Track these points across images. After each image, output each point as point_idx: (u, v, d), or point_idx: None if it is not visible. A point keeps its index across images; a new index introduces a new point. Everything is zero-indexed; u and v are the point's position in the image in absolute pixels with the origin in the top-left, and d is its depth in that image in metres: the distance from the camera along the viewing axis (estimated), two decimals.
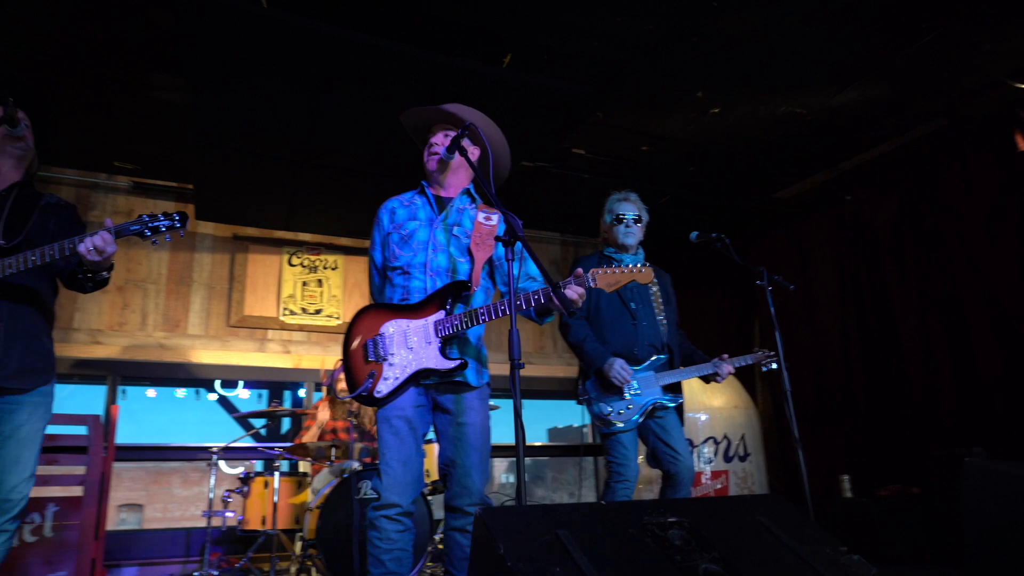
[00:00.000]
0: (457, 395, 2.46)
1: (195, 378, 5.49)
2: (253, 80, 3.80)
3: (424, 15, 3.64)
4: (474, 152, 2.68)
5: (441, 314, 2.41)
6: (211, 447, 4.08)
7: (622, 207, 3.52)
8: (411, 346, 2.42)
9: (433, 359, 2.38)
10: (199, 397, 6.95)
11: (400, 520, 2.35)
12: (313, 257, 5.91)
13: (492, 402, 5.80)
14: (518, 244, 2.67)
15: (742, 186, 5.78)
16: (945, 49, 3.96)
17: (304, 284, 5.81)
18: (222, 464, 4.36)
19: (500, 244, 2.57)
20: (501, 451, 6.13)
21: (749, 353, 3.46)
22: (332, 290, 5.90)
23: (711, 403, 4.79)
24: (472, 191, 2.71)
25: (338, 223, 5.79)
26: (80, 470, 4.19)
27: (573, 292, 2.32)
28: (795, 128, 4.82)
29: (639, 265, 2.37)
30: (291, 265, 5.82)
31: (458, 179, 2.69)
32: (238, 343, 5.45)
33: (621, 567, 1.23)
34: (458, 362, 2.38)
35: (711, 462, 4.64)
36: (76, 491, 4.16)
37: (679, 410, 3.51)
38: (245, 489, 4.09)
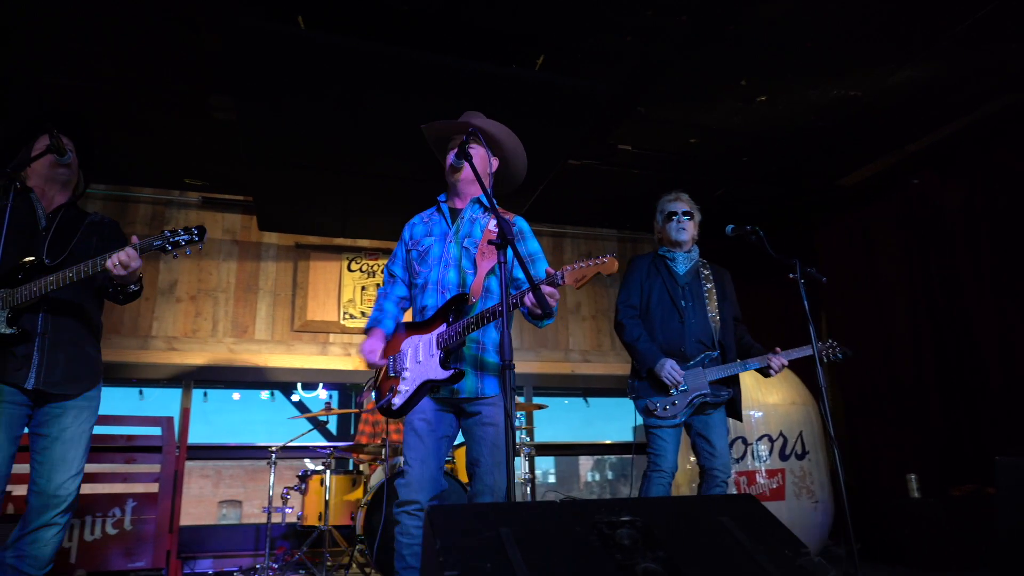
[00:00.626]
0: (481, 400, 2.51)
1: (263, 381, 5.78)
2: (297, 96, 3.97)
3: (453, 24, 3.71)
4: (493, 162, 2.75)
5: (443, 327, 2.47)
6: (270, 446, 4.29)
7: (672, 205, 3.57)
8: (419, 360, 2.50)
9: (434, 370, 2.44)
10: (273, 399, 7.27)
11: (419, 516, 2.42)
12: (371, 262, 6.10)
13: (541, 401, 5.81)
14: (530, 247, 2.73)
15: (801, 175, 5.57)
16: (1005, 21, 3.69)
17: (363, 288, 6.01)
18: (307, 462, 4.59)
19: (507, 249, 2.62)
20: (583, 449, 6.19)
21: (806, 345, 3.37)
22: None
23: (766, 400, 4.64)
24: (483, 199, 2.72)
25: (392, 228, 5.93)
26: (155, 468, 4.51)
27: (553, 300, 2.31)
28: (852, 111, 4.61)
29: (604, 257, 2.29)
30: (350, 271, 6.03)
31: (469, 189, 2.73)
32: (302, 347, 5.70)
33: (556, 564, 1.25)
34: (451, 371, 2.42)
35: (766, 460, 4.49)
36: (152, 488, 4.48)
37: (733, 404, 3.47)
38: (303, 487, 4.27)
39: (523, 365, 6.17)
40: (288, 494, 4.30)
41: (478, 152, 2.70)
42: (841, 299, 5.68)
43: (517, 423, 4.71)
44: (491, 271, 2.58)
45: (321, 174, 4.72)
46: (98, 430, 4.47)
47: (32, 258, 2.45)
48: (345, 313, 5.91)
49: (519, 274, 2.61)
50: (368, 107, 4.06)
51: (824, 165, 5.41)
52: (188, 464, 5.39)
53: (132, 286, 2.51)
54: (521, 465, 4.49)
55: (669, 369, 3.26)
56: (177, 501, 4.63)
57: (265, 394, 8.02)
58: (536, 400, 6.18)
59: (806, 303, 3.07)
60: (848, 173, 5.54)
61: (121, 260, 2.32)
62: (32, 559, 2.34)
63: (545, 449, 6.14)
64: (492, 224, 2.64)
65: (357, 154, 4.54)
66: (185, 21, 3.64)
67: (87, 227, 2.65)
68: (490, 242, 2.22)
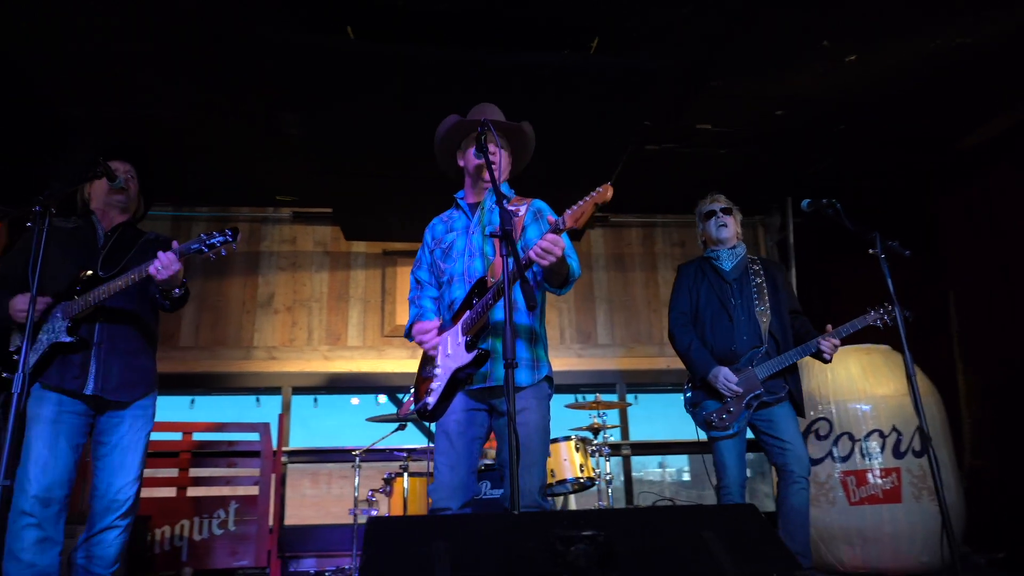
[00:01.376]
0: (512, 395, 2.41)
1: (358, 386, 5.97)
2: (355, 105, 4.04)
3: (500, 17, 3.64)
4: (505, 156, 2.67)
5: (467, 313, 2.39)
6: (354, 450, 4.39)
7: (710, 205, 3.55)
8: (448, 353, 2.43)
9: (460, 357, 2.36)
10: (379, 402, 7.51)
11: None
12: None
13: (632, 398, 5.56)
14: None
15: (911, 140, 5.01)
16: None
17: None
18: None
19: (528, 229, 2.51)
20: (679, 448, 5.91)
21: (860, 316, 3.11)
22: None
23: (874, 391, 4.18)
24: (503, 190, 2.64)
25: None
26: (255, 472, 4.76)
27: (547, 242, 2.15)
28: (962, 63, 4.08)
29: (598, 188, 2.16)
30: None
31: (486, 180, 2.64)
32: (392, 351, 5.82)
33: None
34: (475, 352, 2.32)
35: (877, 458, 4.05)
36: (253, 490, 4.73)
37: (793, 400, 3.28)
38: (388, 489, 4.34)
39: (613, 361, 5.98)
40: (374, 496, 4.38)
41: (505, 152, 2.65)
42: (970, 273, 5.05)
43: (601, 420, 4.54)
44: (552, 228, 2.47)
45: (391, 180, 4.79)
46: (203, 436, 4.83)
47: (89, 272, 2.61)
48: None
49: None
50: (424, 109, 4.05)
51: (936, 127, 4.83)
52: (304, 467, 5.66)
53: (176, 291, 2.59)
54: (603, 466, 4.32)
55: (723, 380, 3.17)
56: (277, 502, 4.87)
57: (383, 398, 8.25)
58: (630, 397, 5.96)
59: (889, 280, 2.73)
60: (968, 134, 4.91)
61: (162, 263, 2.42)
62: (99, 559, 2.49)
63: (641, 448, 5.91)
64: (512, 209, 2.54)
65: (421, 157, 4.55)
66: (246, 43, 3.78)
67: (143, 244, 2.80)
68: (492, 234, 2.11)
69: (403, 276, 6.01)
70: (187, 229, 5.90)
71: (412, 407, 2.65)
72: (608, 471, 4.28)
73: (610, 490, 4.24)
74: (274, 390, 5.70)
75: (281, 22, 3.60)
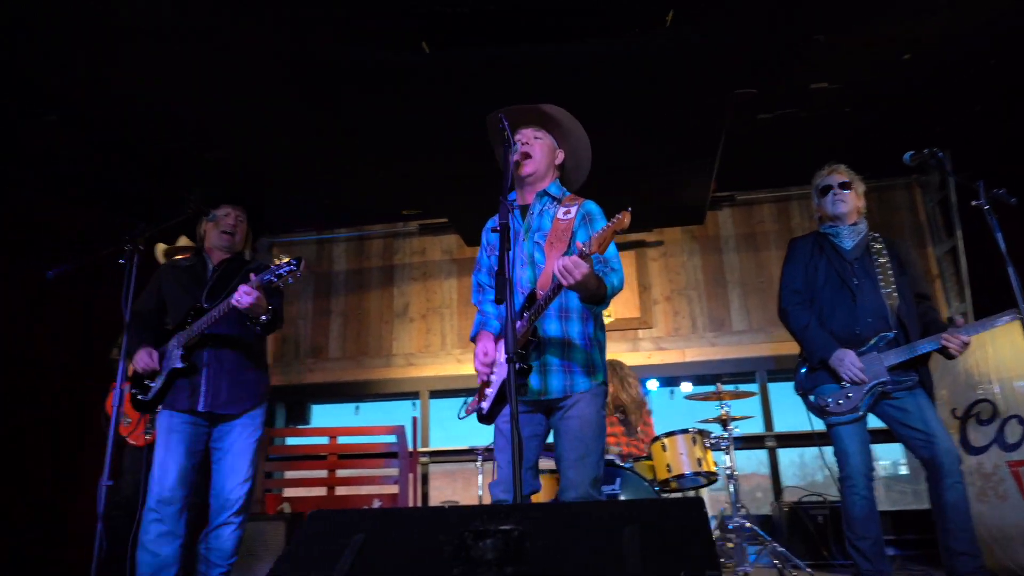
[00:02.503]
0: (569, 397, 2.40)
1: None
2: (442, 114, 4.18)
3: (566, 9, 3.59)
4: (559, 154, 2.66)
5: (518, 325, 2.39)
6: (476, 449, 4.52)
7: (827, 179, 3.24)
8: (502, 362, 2.44)
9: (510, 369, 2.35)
10: None
11: None
12: None
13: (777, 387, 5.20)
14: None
15: None
16: None
17: None
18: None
19: (577, 234, 2.44)
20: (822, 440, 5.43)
21: (994, 315, 2.67)
22: None
23: None
24: (550, 190, 2.59)
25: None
26: (395, 472, 5.07)
27: (569, 262, 2.09)
28: None
29: (618, 215, 2.07)
30: None
31: (537, 183, 2.61)
32: None
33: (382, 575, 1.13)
34: (519, 367, 2.30)
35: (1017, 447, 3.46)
36: (394, 489, 5.04)
37: (926, 383, 2.95)
38: None
39: (753, 348, 5.62)
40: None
41: (544, 142, 2.59)
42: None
43: (718, 410, 4.29)
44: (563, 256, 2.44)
45: (489, 182, 4.88)
46: (349, 440, 5.23)
47: (197, 304, 2.95)
48: None
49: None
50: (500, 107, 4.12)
51: None
52: (446, 467, 5.95)
53: (263, 317, 2.86)
54: (724, 460, 4.08)
55: (850, 365, 2.87)
56: (416, 500, 5.15)
57: None
58: (772, 386, 5.57)
59: (999, 237, 2.31)
60: None
61: (240, 294, 2.69)
62: (217, 551, 2.81)
63: (789, 440, 5.47)
64: (562, 212, 2.50)
65: None
66: (344, 71, 4.04)
67: (245, 274, 3.10)
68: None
69: None
70: (329, 251, 6.44)
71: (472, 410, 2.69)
72: (729, 464, 4.03)
73: (730, 486, 3.99)
74: (413, 394, 6.03)
75: (359, 42, 3.81)
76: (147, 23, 3.59)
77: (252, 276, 2.74)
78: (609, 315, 5.89)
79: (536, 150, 2.55)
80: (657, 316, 5.88)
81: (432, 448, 5.74)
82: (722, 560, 3.89)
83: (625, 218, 2.06)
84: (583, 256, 2.09)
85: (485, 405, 2.48)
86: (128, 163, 4.94)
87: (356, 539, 1.17)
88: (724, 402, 4.23)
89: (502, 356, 2.45)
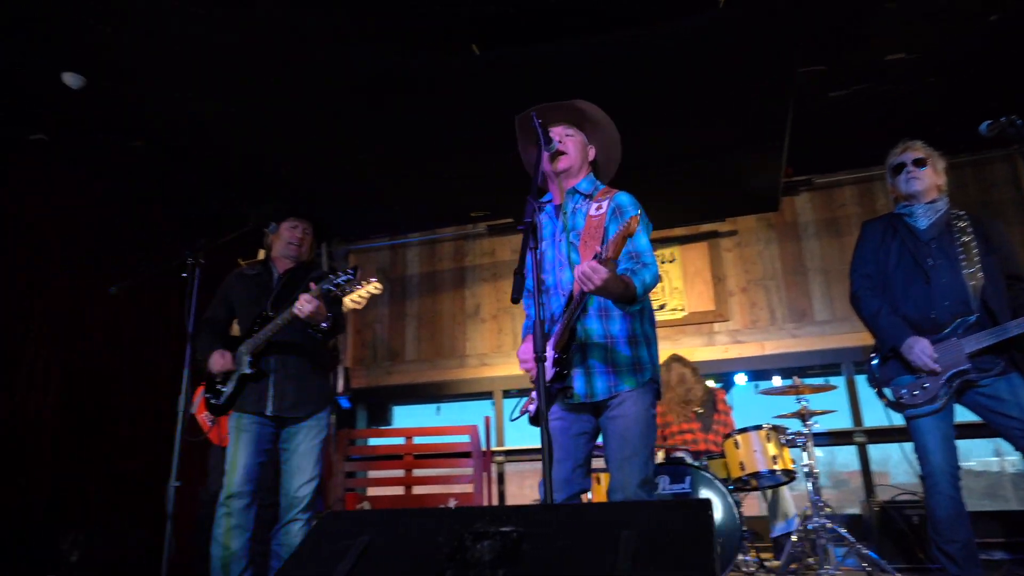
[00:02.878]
0: (615, 397, 2.35)
1: None
2: (499, 114, 4.18)
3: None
4: (591, 150, 2.62)
5: (555, 328, 2.37)
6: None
7: (899, 157, 3.01)
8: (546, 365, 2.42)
9: (549, 372, 2.33)
10: None
11: None
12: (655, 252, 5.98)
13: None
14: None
15: None
16: None
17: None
18: None
19: (609, 228, 2.39)
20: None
21: None
22: (673, 282, 5.86)
23: None
24: (580, 187, 2.54)
25: (666, 215, 5.73)
26: (469, 471, 5.13)
27: (588, 268, 2.03)
28: None
29: (625, 221, 2.01)
30: None
31: (568, 181, 2.56)
32: None
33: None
34: (554, 371, 2.29)
35: None
36: (468, 488, 5.10)
37: (1020, 365, 2.67)
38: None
39: (838, 338, 5.34)
40: None
41: (576, 139, 2.56)
42: None
43: (806, 405, 4.10)
44: (596, 255, 2.39)
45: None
46: (425, 440, 5.33)
47: (263, 312, 3.08)
48: None
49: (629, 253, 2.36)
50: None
51: None
52: (523, 466, 5.98)
53: (322, 324, 2.95)
54: (802, 457, 3.88)
55: (920, 352, 2.68)
56: (492, 499, 5.19)
57: None
58: (860, 379, 5.26)
59: None
60: None
61: (299, 303, 2.80)
62: (287, 547, 2.92)
63: (878, 436, 5.15)
64: (594, 208, 2.45)
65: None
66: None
67: (306, 283, 3.21)
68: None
69: None
70: (402, 256, 6.60)
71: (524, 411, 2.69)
72: (806, 461, 3.83)
73: (809, 483, 3.79)
74: (487, 394, 6.08)
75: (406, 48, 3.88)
76: (221, 56, 3.80)
77: (312, 285, 2.83)
78: (682, 309, 5.75)
79: (569, 146, 2.52)
80: (733, 308, 5.68)
81: (507, 447, 5.77)
82: (794, 564, 3.71)
83: (633, 223, 2.00)
84: (602, 261, 2.04)
85: (532, 408, 2.47)
86: (207, 182, 5.22)
87: (362, 539, 1.19)
88: (802, 397, 4.04)
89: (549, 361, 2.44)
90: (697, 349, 5.56)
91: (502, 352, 6.05)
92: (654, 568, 1.01)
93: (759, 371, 5.57)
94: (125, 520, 4.39)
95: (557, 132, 2.55)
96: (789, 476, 3.94)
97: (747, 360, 5.51)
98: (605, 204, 2.43)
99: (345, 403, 6.25)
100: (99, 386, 4.61)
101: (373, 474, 5.68)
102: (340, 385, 6.25)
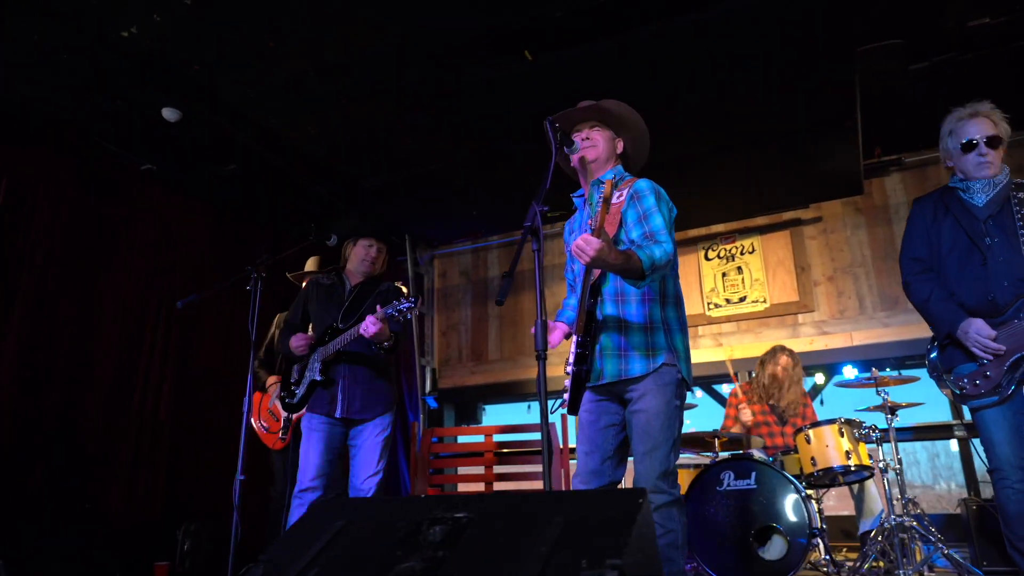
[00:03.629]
0: (632, 385, 2.39)
1: None
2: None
3: None
4: (619, 143, 2.67)
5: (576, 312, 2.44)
6: None
7: (970, 131, 2.70)
8: (572, 351, 2.49)
9: (573, 355, 2.39)
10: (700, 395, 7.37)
11: None
12: (728, 246, 5.83)
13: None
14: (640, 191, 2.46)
15: None
16: None
17: (723, 275, 5.78)
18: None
19: (627, 214, 2.43)
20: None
21: None
22: (754, 274, 5.69)
23: None
24: (604, 178, 2.59)
25: (744, 204, 5.59)
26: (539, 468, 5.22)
27: (581, 240, 2.12)
28: None
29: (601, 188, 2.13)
30: (707, 259, 5.88)
31: (592, 175, 2.63)
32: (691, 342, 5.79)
33: (339, 557, 1.22)
34: (575, 352, 2.34)
35: None
36: (538, 486, 5.19)
37: None
38: None
39: (903, 330, 5.00)
40: None
41: (604, 133, 2.63)
42: None
43: (886, 397, 3.91)
44: (614, 239, 2.42)
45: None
46: (502, 438, 5.48)
47: (334, 324, 3.33)
48: (709, 303, 5.78)
49: (634, 235, 2.42)
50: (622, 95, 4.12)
51: None
52: None
53: (385, 343, 3.18)
54: (879, 452, 3.70)
55: (975, 335, 2.52)
56: None
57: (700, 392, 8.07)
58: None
59: None
60: None
61: (365, 324, 3.04)
62: None
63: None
64: (615, 197, 2.49)
65: (667, 143, 4.50)
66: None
67: (376, 295, 3.44)
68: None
69: (690, 265, 5.95)
70: (484, 258, 6.78)
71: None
72: (883, 457, 3.65)
73: (886, 478, 3.60)
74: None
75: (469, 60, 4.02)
76: (301, 79, 4.09)
77: (378, 308, 3.04)
78: (764, 300, 5.58)
79: (597, 139, 2.59)
80: (819, 298, 5.45)
81: None
82: (875, 563, 3.54)
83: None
84: (595, 232, 2.09)
85: (566, 397, 2.51)
86: (296, 198, 5.61)
87: (336, 525, 1.32)
88: (882, 389, 3.84)
89: (574, 347, 2.50)
90: (781, 342, 5.37)
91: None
92: (570, 551, 1.07)
93: (852, 363, 5.32)
94: (225, 513, 4.81)
95: (583, 131, 2.62)
96: (867, 472, 3.76)
97: (834, 352, 5.26)
98: (625, 192, 2.49)
99: (432, 403, 6.51)
100: (205, 391, 5.06)
101: (463, 471, 5.88)
102: (428, 385, 6.52)
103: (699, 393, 6.21)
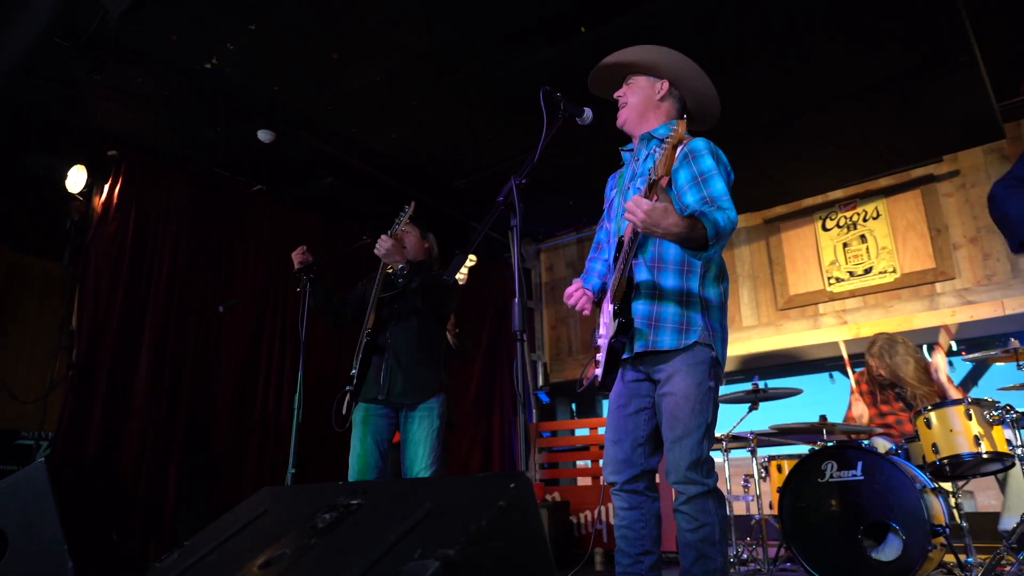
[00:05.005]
0: (662, 363, 2.18)
1: (756, 368, 5.60)
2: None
3: None
4: (660, 86, 2.42)
5: (611, 278, 2.26)
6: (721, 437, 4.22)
7: None
8: (606, 322, 2.33)
9: (609, 327, 2.23)
10: (833, 380, 6.69)
11: (621, 496, 2.24)
12: (848, 213, 5.25)
13: None
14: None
15: None
16: None
17: (845, 245, 5.21)
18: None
19: (679, 173, 2.23)
20: None
21: None
22: (880, 242, 5.07)
23: None
24: (656, 132, 2.35)
25: (864, 163, 4.99)
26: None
27: (631, 203, 1.93)
28: None
29: (672, 128, 1.93)
30: (825, 230, 5.33)
31: (637, 128, 2.43)
32: (790, 324, 5.31)
33: (231, 546, 1.18)
34: (617, 321, 2.15)
35: None
36: None
37: None
38: (764, 474, 4.06)
39: None
40: (747, 482, 4.12)
41: (637, 84, 2.43)
42: None
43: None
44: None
45: (743, 139, 4.50)
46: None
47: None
48: (830, 278, 5.23)
49: (688, 200, 2.18)
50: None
51: None
52: None
53: (400, 267, 3.17)
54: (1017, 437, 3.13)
55: None
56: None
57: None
58: None
59: None
60: None
61: (378, 243, 3.12)
62: None
63: None
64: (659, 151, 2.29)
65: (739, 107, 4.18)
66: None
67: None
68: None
69: (789, 241, 5.49)
70: (588, 249, 6.61)
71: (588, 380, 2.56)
72: (1020, 441, 3.08)
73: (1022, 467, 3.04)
74: None
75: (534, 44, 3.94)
76: (381, 88, 4.24)
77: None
78: (893, 271, 4.97)
79: (629, 97, 2.40)
80: (960, 263, 4.75)
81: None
82: (1004, 567, 3.00)
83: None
84: (652, 187, 1.90)
85: (599, 372, 2.30)
86: (396, 204, 5.79)
87: (257, 511, 1.31)
88: None
89: (605, 318, 2.34)
90: (916, 316, 4.77)
91: None
92: (417, 540, 0.98)
93: (1004, 335, 4.59)
94: None
95: (620, 91, 2.46)
96: (1004, 461, 3.21)
97: (982, 324, 4.57)
98: (680, 150, 2.25)
99: (544, 397, 6.46)
100: (318, 393, 5.35)
101: (566, 465, 5.80)
102: (540, 380, 6.48)
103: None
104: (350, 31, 3.79)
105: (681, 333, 2.15)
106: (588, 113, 2.37)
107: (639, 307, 2.21)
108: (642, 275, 2.24)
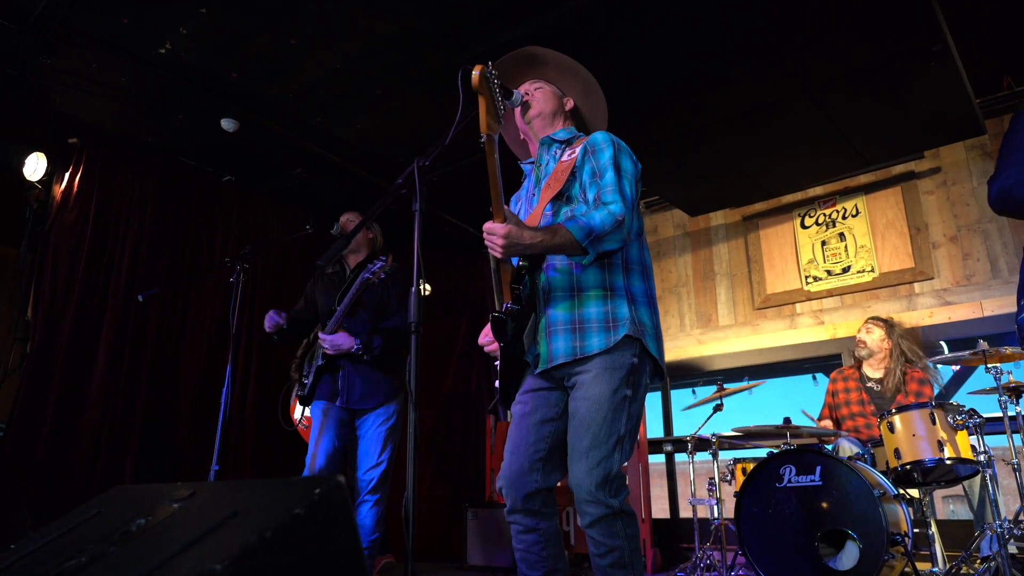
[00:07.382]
0: (581, 362, 1.98)
1: (725, 369, 5.48)
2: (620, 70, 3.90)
3: None
4: (567, 101, 2.34)
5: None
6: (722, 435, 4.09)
7: None
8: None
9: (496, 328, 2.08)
10: (816, 382, 6.56)
11: (515, 518, 2.01)
12: (827, 211, 5.13)
13: None
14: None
15: None
16: None
17: (823, 244, 5.08)
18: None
19: (581, 171, 2.10)
20: None
21: None
22: (859, 240, 4.94)
23: None
24: (557, 136, 2.25)
25: (843, 159, 4.84)
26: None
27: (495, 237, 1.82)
28: None
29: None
30: (804, 228, 5.20)
31: (537, 133, 2.30)
32: (766, 324, 5.19)
33: (42, 550, 1.09)
34: (498, 318, 2.02)
35: None
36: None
37: None
38: (730, 478, 3.94)
39: None
40: (712, 486, 4.00)
41: (544, 90, 2.30)
42: None
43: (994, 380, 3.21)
44: (556, 197, 2.10)
45: (709, 132, 4.40)
46: None
47: (333, 307, 3.28)
48: (807, 277, 5.11)
49: (590, 196, 2.04)
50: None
51: None
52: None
53: (355, 349, 3.20)
54: (1001, 443, 3.00)
55: None
56: (646, 493, 4.87)
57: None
58: None
59: None
60: None
61: (326, 343, 3.09)
62: (359, 527, 3.07)
63: None
64: (567, 154, 2.18)
65: (723, 101, 4.07)
66: None
67: (360, 268, 3.33)
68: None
69: (767, 239, 5.36)
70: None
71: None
72: (984, 447, 2.96)
73: (986, 476, 2.92)
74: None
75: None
76: (338, 76, 4.13)
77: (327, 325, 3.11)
78: (872, 269, 4.84)
79: (537, 96, 2.28)
80: (939, 262, 4.62)
81: (676, 436, 5.37)
82: None
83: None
84: (497, 211, 1.81)
85: (497, 383, 2.10)
86: (370, 195, 5.70)
87: (90, 512, 1.21)
88: (994, 366, 3.15)
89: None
90: (894, 316, 4.63)
91: (668, 336, 5.64)
92: (197, 551, 0.88)
93: (972, 337, 4.45)
94: None
95: (524, 88, 2.33)
96: (969, 468, 3.09)
97: (960, 325, 4.44)
98: (579, 148, 2.13)
99: None
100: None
101: None
102: None
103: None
104: (307, 15, 3.68)
105: (609, 331, 1.97)
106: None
107: (558, 311, 2.03)
108: (555, 273, 2.07)
